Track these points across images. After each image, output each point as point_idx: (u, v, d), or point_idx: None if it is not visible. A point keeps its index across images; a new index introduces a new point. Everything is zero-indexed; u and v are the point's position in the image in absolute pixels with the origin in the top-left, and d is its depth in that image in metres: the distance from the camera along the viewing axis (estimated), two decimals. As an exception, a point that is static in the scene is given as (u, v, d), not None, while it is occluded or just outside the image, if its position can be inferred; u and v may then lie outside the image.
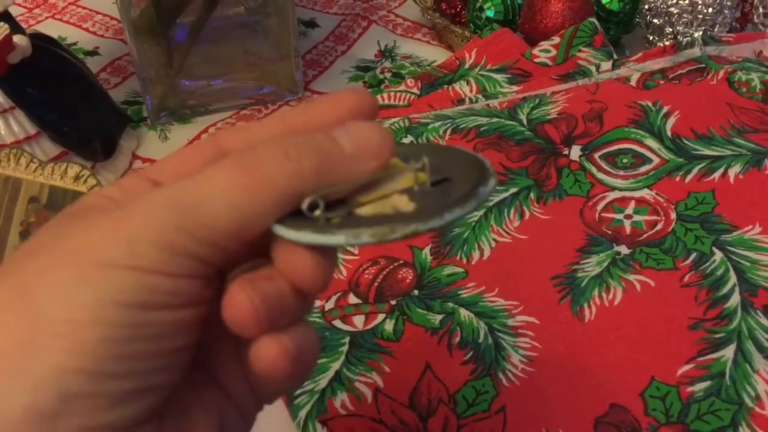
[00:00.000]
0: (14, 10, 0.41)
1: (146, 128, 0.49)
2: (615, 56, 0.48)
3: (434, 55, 0.55)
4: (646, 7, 0.50)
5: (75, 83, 0.43)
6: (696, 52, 0.47)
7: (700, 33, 0.48)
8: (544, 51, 0.48)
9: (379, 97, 0.48)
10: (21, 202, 0.36)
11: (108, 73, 0.54)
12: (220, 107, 0.51)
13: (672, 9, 0.48)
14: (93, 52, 0.56)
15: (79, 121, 0.42)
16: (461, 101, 0.45)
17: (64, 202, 0.35)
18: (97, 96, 0.45)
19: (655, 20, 0.49)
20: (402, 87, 0.48)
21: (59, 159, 0.41)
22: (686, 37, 0.48)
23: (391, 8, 0.60)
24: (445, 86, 0.48)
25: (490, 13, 0.52)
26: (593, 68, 0.47)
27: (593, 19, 0.48)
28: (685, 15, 0.48)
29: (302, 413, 0.31)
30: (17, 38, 0.38)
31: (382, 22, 0.58)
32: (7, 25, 0.37)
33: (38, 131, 0.41)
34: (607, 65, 0.47)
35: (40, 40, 0.41)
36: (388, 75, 0.53)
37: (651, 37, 0.50)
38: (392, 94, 0.48)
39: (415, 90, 0.48)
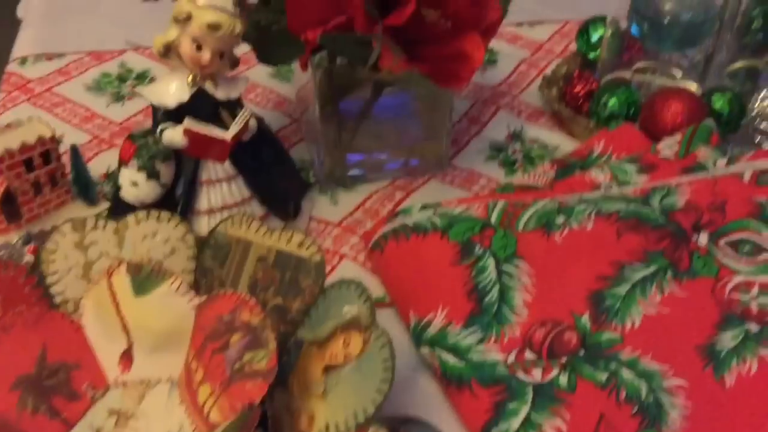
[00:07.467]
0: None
1: (317, 192, 0.56)
2: (729, 154, 0.55)
3: (557, 141, 0.63)
4: (754, 112, 0.57)
5: (276, 154, 0.51)
6: (800, 154, 0.53)
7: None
8: (668, 146, 0.55)
9: (518, 177, 0.55)
10: (250, 260, 0.43)
11: (273, 140, 0.62)
12: (375, 177, 0.58)
13: (778, 115, 0.56)
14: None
15: (280, 187, 0.50)
16: (597, 187, 0.53)
17: (289, 264, 0.42)
18: (289, 164, 0.52)
19: (762, 125, 0.56)
20: (540, 170, 0.56)
21: (264, 219, 0.49)
22: (791, 140, 0.55)
23: (515, 95, 0.68)
24: (577, 171, 0.55)
25: (613, 108, 0.59)
26: (710, 164, 0.54)
27: (710, 121, 0.56)
28: (790, 121, 0.55)
29: (498, 449, 0.37)
30: (251, 121, 0.46)
31: (507, 107, 0.66)
32: (249, 110, 0.45)
33: (251, 195, 0.48)
34: (722, 162, 0.54)
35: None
36: (519, 156, 0.61)
37: (757, 139, 0.57)
38: (532, 175, 0.55)
39: (551, 173, 0.55)
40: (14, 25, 0.80)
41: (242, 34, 0.45)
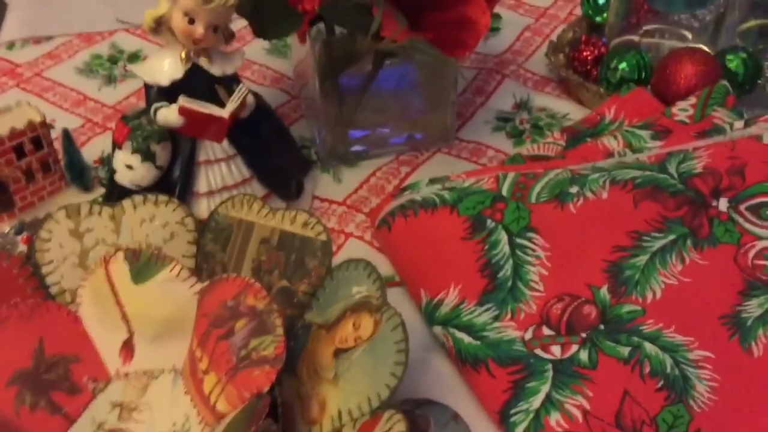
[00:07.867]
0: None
1: (319, 170, 0.55)
2: (746, 116, 0.53)
3: (566, 108, 0.60)
4: (770, 72, 0.55)
5: (276, 131, 0.49)
6: (820, 114, 0.51)
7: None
8: (683, 110, 0.53)
9: (527, 147, 0.53)
10: (253, 243, 0.41)
11: (272, 118, 0.60)
12: (379, 153, 0.56)
13: (796, 74, 0.53)
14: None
15: (280, 165, 0.48)
16: (611, 155, 0.51)
17: (293, 245, 0.40)
18: (289, 142, 0.51)
19: (780, 84, 0.54)
20: (550, 139, 0.54)
21: (265, 199, 0.47)
22: (809, 99, 0.53)
23: (520, 63, 0.66)
24: (588, 139, 0.53)
25: (624, 72, 0.57)
26: (727, 126, 0.52)
27: (725, 82, 0.53)
28: (808, 80, 0.53)
29: (519, 430, 0.36)
30: (249, 97, 0.44)
31: (513, 76, 0.64)
32: (246, 87, 0.43)
33: (251, 175, 0.47)
34: (739, 124, 0.52)
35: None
36: (527, 126, 0.59)
37: (774, 99, 0.55)
38: (541, 144, 0.53)
39: (561, 142, 0.53)
40: (0, 9, 0.77)
41: (236, 6, 0.43)
